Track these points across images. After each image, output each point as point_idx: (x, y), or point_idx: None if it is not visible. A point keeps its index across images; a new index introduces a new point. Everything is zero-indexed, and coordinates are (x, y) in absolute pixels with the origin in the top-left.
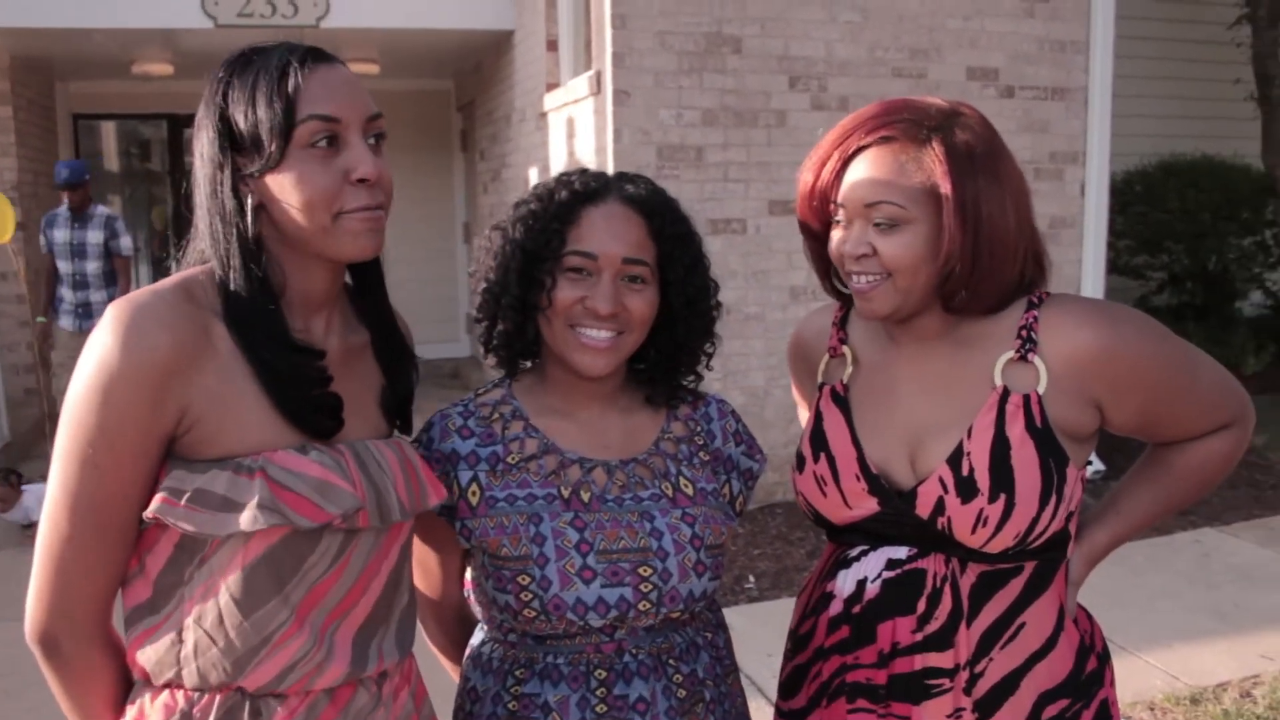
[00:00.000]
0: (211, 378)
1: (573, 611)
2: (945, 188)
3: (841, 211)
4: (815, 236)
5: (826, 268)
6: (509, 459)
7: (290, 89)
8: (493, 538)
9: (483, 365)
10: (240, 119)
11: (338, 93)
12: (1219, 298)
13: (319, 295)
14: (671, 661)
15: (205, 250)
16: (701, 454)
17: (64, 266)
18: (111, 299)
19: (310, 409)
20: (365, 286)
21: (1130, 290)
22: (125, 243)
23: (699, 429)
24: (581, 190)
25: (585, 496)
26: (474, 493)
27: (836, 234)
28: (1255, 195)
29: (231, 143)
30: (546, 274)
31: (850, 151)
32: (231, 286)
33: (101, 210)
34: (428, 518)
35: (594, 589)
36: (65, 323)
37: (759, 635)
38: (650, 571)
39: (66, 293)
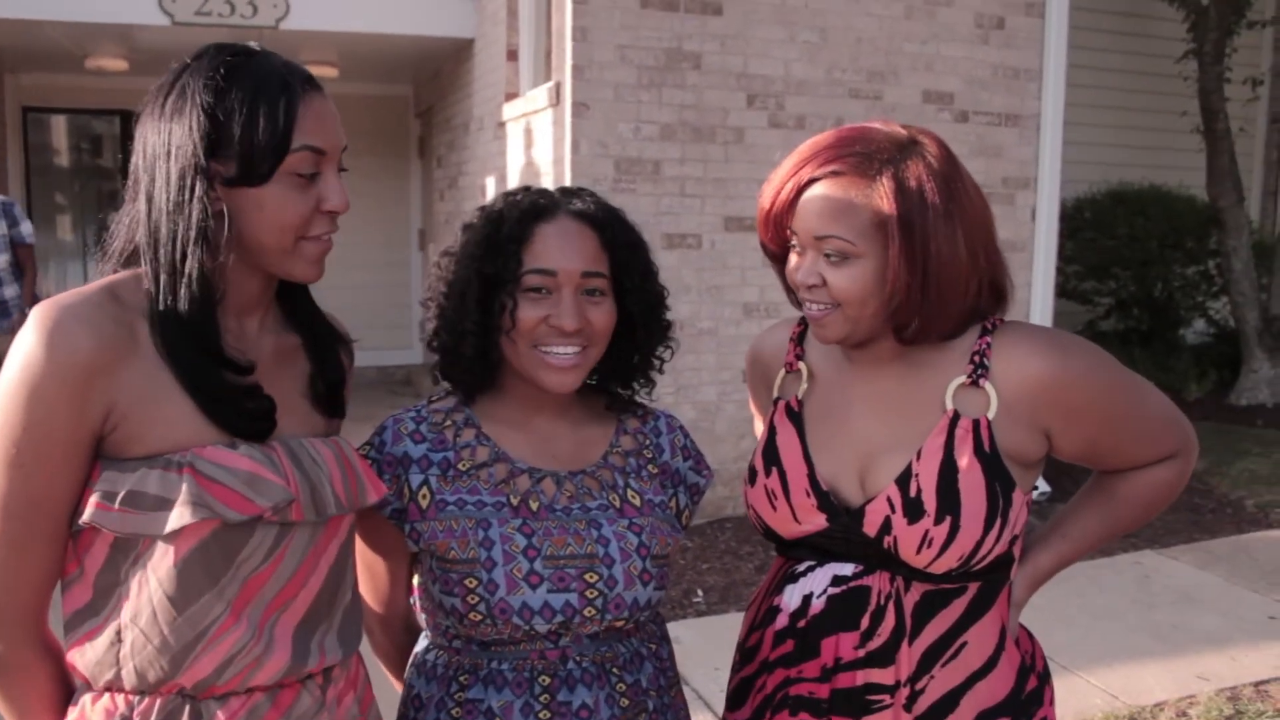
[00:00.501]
0: (137, 376)
1: (518, 616)
2: (892, 225)
3: (795, 239)
4: (776, 257)
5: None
6: (460, 465)
7: (292, 114)
8: (441, 540)
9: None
10: (235, 127)
11: (327, 125)
12: (1164, 324)
13: (254, 299)
14: (615, 670)
15: (140, 244)
16: (650, 467)
17: None
18: (23, 294)
19: (242, 418)
20: (289, 288)
21: (1078, 315)
22: (27, 229)
23: (648, 443)
24: (531, 209)
25: (534, 505)
26: (424, 496)
27: (792, 259)
28: (1200, 225)
29: (214, 148)
30: (507, 296)
31: (804, 182)
32: (173, 295)
33: None
34: (377, 522)
35: (540, 594)
36: None
37: (706, 649)
38: (596, 578)
39: None
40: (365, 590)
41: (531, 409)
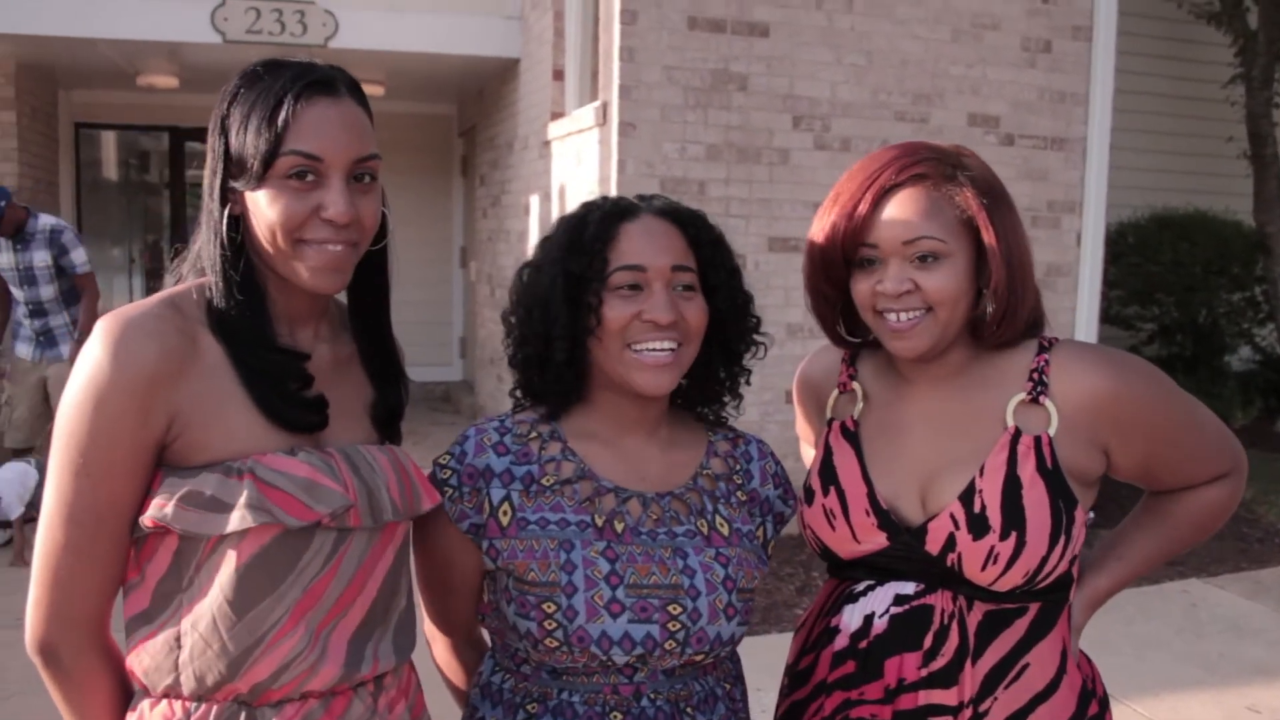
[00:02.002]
0: (199, 385)
1: (597, 645)
2: (982, 219)
3: (874, 252)
4: (832, 284)
5: (833, 315)
6: (544, 480)
7: (280, 121)
8: (521, 560)
9: (475, 389)
10: (234, 135)
11: (327, 132)
12: (1208, 351)
13: (301, 311)
14: (689, 710)
15: (201, 255)
16: (739, 494)
17: (17, 293)
18: (75, 321)
19: (291, 405)
20: (361, 306)
21: (1121, 340)
22: (78, 257)
23: (738, 468)
24: (614, 210)
25: (619, 527)
26: (505, 512)
27: (866, 277)
28: (1246, 251)
29: (226, 153)
30: (593, 295)
31: (883, 189)
32: (215, 289)
33: (44, 223)
34: (450, 534)
35: (621, 623)
36: (22, 350)
37: (748, 670)
38: (680, 610)
39: (24, 319)
40: (433, 603)
41: (621, 426)
